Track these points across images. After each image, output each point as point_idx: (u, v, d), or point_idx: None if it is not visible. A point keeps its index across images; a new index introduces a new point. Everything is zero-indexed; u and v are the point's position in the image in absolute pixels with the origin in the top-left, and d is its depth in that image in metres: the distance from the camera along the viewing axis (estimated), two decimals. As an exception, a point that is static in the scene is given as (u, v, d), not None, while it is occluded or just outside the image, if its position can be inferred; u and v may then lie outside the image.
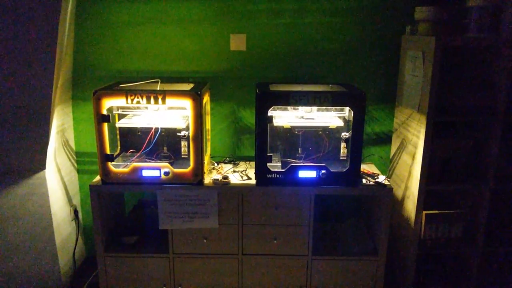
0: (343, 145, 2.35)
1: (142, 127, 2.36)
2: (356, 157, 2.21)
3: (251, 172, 2.40)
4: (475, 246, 2.38)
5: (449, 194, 2.53)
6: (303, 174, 2.24)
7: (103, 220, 2.34)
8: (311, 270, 2.38)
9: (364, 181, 2.32)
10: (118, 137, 2.45)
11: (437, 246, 2.37)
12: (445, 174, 2.31)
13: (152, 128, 2.29)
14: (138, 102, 2.13)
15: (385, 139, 2.74)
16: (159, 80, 2.35)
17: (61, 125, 2.54)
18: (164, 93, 2.12)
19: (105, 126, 2.16)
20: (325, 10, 2.53)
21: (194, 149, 2.19)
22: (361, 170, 2.34)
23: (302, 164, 2.31)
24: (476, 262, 2.40)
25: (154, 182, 2.24)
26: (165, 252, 2.37)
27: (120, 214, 2.73)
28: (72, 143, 2.73)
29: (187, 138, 2.27)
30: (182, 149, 2.36)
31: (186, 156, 2.32)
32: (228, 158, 2.66)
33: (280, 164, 2.33)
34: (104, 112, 2.13)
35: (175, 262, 2.38)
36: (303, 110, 2.32)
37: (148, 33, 2.56)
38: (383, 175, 2.39)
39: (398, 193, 2.53)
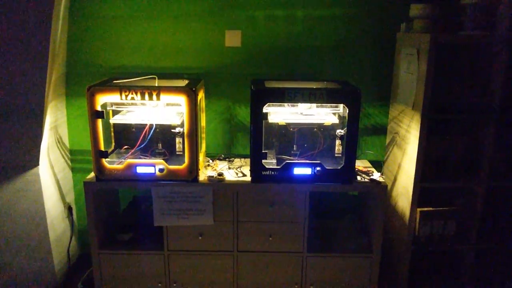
0: (338, 142, 2.35)
1: (137, 124, 2.35)
2: (351, 154, 2.21)
3: (246, 169, 2.39)
4: (469, 243, 2.39)
5: (443, 191, 2.54)
6: (298, 171, 2.23)
7: (97, 217, 2.33)
8: (306, 267, 2.38)
9: (358, 178, 2.32)
10: (112, 133, 2.44)
11: (432, 243, 2.38)
12: (439, 172, 2.32)
13: (146, 124, 2.28)
14: (132, 98, 2.12)
15: (379, 136, 2.74)
16: (155, 76, 2.34)
17: (55, 121, 2.52)
18: (159, 90, 2.11)
19: (99, 122, 2.15)
20: (321, 7, 2.52)
21: (189, 145, 2.18)
22: (356, 167, 2.34)
23: (297, 161, 2.31)
24: (470, 259, 2.42)
25: (149, 179, 2.23)
26: (160, 249, 2.36)
27: (115, 211, 2.72)
28: (65, 140, 2.71)
29: (181, 134, 2.26)
30: (177, 146, 2.35)
31: (181, 153, 2.31)
32: (223, 155, 2.65)
33: (275, 161, 2.33)
34: (98, 108, 2.12)
35: (170, 259, 2.38)
36: (298, 107, 2.31)
37: (142, 28, 2.54)
38: (378, 172, 2.40)
39: (393, 190, 2.54)
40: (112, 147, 2.44)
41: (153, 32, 2.55)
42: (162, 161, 2.24)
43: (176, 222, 2.30)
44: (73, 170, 2.79)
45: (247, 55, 2.59)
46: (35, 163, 2.33)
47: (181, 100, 2.11)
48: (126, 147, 2.40)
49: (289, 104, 2.30)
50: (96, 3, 2.50)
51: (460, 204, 2.40)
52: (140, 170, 2.22)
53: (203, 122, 2.51)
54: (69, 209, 2.71)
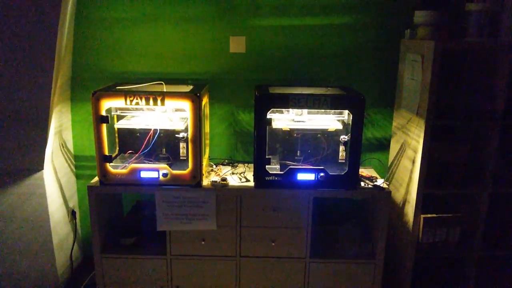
0: (341, 148, 2.35)
1: (141, 128, 2.36)
2: (354, 160, 2.21)
3: (250, 174, 2.39)
4: (472, 250, 2.38)
5: (447, 198, 2.54)
6: (301, 176, 2.24)
7: (101, 221, 2.34)
8: (309, 272, 2.38)
9: (362, 184, 2.32)
10: (116, 138, 2.45)
11: (435, 250, 2.37)
12: (443, 178, 2.31)
13: (150, 129, 2.29)
14: (137, 104, 2.13)
15: (383, 143, 2.74)
16: (162, 82, 2.35)
17: (60, 126, 2.53)
18: (163, 95, 2.12)
19: (104, 127, 2.16)
20: (325, 13, 2.53)
21: (193, 150, 2.19)
22: (360, 173, 2.34)
23: (300, 166, 2.31)
24: (473, 266, 2.41)
25: (153, 184, 2.24)
26: (163, 253, 2.36)
27: (118, 215, 2.72)
28: (70, 144, 2.72)
29: (185, 139, 2.27)
30: (181, 151, 2.36)
31: (185, 158, 2.32)
32: (226, 160, 2.66)
33: (279, 167, 2.33)
34: (103, 113, 2.13)
35: (172, 264, 2.38)
36: (302, 112, 2.32)
37: (147, 34, 2.56)
38: (381, 178, 2.40)
39: (397, 196, 2.53)
40: (116, 152, 2.45)
41: (158, 37, 2.57)
42: (166, 166, 2.24)
43: (179, 227, 2.30)
44: (77, 174, 2.80)
45: (251, 61, 2.60)
46: (40, 167, 2.34)
47: (186, 105, 2.12)
48: (130, 151, 2.41)
49: (287, 110, 2.31)
50: (102, 9, 2.52)
51: (464, 210, 2.39)
52: (143, 174, 2.23)
53: (207, 127, 2.52)
54: (73, 213, 2.71)
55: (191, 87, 2.37)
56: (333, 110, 2.30)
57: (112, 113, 2.34)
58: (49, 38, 2.13)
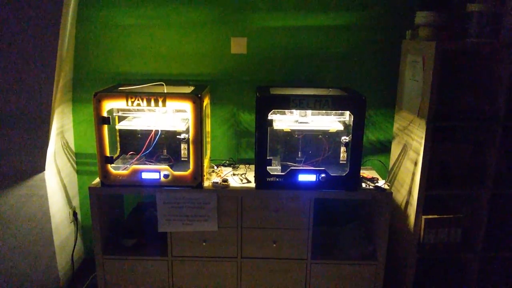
0: (343, 149, 2.35)
1: (142, 130, 2.36)
2: (356, 161, 2.21)
3: (251, 176, 2.39)
4: (474, 251, 2.37)
5: (448, 198, 2.53)
6: (302, 177, 2.23)
7: (102, 222, 2.34)
8: (310, 274, 2.38)
9: (363, 185, 2.31)
10: (118, 139, 2.45)
11: (436, 251, 2.37)
12: (444, 179, 2.31)
13: (152, 130, 2.29)
14: (138, 105, 2.14)
15: (385, 144, 2.74)
16: (163, 83, 2.35)
17: (61, 127, 2.54)
18: (165, 96, 2.12)
19: (105, 128, 2.16)
20: (326, 14, 2.54)
21: (194, 152, 2.19)
22: (361, 174, 2.34)
23: (301, 167, 2.31)
24: (475, 267, 2.40)
25: (154, 185, 2.24)
26: (164, 255, 2.36)
27: (119, 217, 2.72)
28: (72, 145, 2.73)
29: (187, 140, 2.27)
30: (182, 152, 2.36)
31: (186, 159, 2.32)
32: (227, 161, 2.66)
33: (280, 168, 2.33)
34: (105, 114, 2.13)
35: (174, 265, 2.38)
36: (303, 113, 2.32)
37: (148, 35, 2.56)
38: (383, 179, 2.39)
39: (398, 197, 2.53)
40: (118, 153, 2.45)
41: (160, 39, 2.57)
42: (167, 167, 2.24)
43: (180, 228, 2.30)
44: (78, 175, 2.80)
45: (253, 62, 2.60)
46: (41, 168, 2.35)
47: (187, 106, 2.12)
48: (131, 152, 2.41)
49: (289, 111, 2.31)
50: (104, 10, 2.52)
51: (465, 211, 2.39)
52: (145, 176, 2.23)
53: (208, 128, 2.52)
54: (74, 214, 2.71)
55: (192, 88, 2.37)
56: (334, 111, 2.30)
57: (114, 114, 2.34)
58: (51, 39, 2.13)
